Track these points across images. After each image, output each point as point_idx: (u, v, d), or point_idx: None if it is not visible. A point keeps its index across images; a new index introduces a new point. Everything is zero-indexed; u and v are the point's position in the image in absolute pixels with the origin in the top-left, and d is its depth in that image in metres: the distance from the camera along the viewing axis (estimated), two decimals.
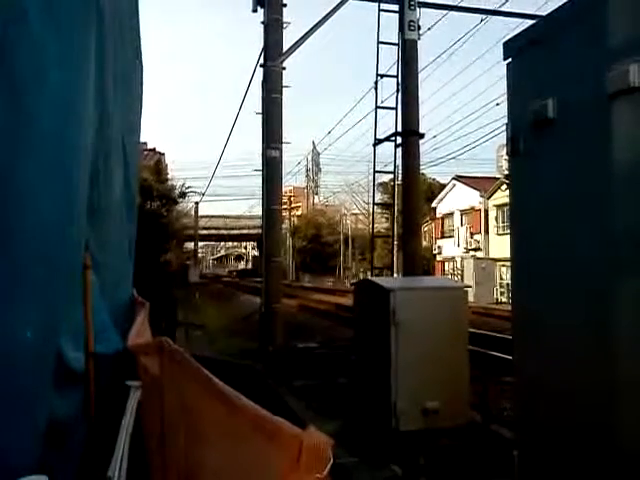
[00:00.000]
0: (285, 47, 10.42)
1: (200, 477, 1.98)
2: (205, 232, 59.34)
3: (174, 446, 2.30)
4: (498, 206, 32.64)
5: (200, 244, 65.97)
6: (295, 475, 1.13)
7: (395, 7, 10.89)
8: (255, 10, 10.59)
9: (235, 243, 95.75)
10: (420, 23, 10.81)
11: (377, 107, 11.35)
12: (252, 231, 58.63)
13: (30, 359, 2.25)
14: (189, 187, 25.07)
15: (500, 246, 29.69)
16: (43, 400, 2.40)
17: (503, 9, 12.46)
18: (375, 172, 12.04)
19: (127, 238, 5.62)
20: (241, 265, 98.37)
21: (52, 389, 2.50)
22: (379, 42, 11.13)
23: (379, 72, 11.32)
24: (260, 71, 10.74)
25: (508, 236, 3.09)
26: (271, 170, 10.39)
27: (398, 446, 5.01)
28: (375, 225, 14.45)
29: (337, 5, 10.60)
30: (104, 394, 3.39)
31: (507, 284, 26.65)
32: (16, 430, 2.21)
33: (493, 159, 36.84)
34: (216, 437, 1.82)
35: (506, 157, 3.38)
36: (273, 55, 10.30)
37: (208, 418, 1.85)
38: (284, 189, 14.85)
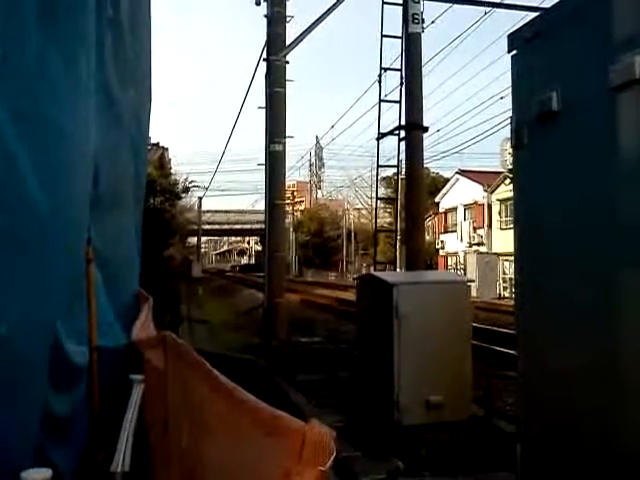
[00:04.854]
0: (288, 41, 10.40)
1: (203, 470, 1.99)
2: (208, 227, 59.46)
3: (177, 439, 2.30)
4: (501, 200, 32.55)
5: (203, 239, 66.08)
6: (298, 468, 1.13)
7: (399, 0, 10.83)
8: (258, 3, 10.56)
9: (238, 238, 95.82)
10: (424, 16, 10.75)
11: (381, 101, 11.31)
12: (255, 226, 58.69)
13: (26, 352, 2.25)
14: (192, 182, 25.07)
15: (503, 241, 29.61)
16: (39, 393, 2.40)
17: (507, 1, 12.37)
18: (378, 166, 12.00)
19: (133, 233, 5.63)
20: (244, 260, 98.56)
21: (49, 382, 2.50)
22: (383, 35, 11.08)
23: (383, 65, 11.29)
24: (263, 65, 10.74)
25: (511, 231, 3.08)
26: (274, 164, 10.39)
27: (401, 440, 5.02)
28: (378, 220, 14.42)
29: None
30: (107, 388, 3.40)
31: (510, 279, 26.63)
32: (14, 423, 2.21)
33: (497, 153, 36.81)
34: (219, 431, 1.82)
35: (510, 151, 3.37)
36: (276, 49, 10.28)
37: (211, 412, 1.85)
38: (287, 183, 14.84)
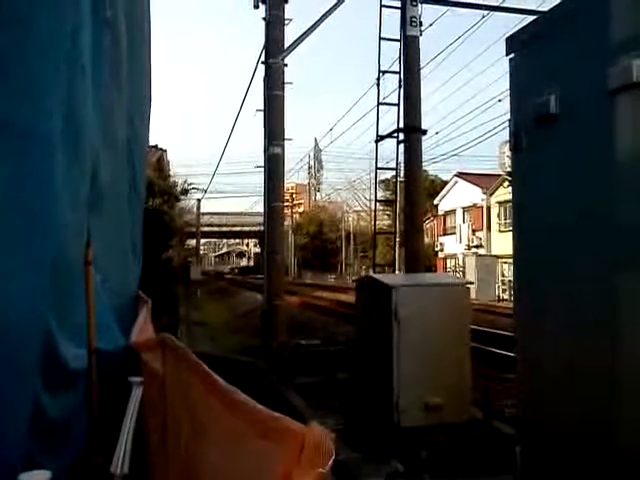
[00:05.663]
0: (287, 43, 10.40)
1: (202, 473, 1.99)
2: (207, 229, 59.42)
3: (176, 441, 2.30)
4: (500, 203, 32.60)
5: (202, 241, 66.04)
6: (298, 470, 1.13)
7: (397, 3, 10.85)
8: (257, 6, 10.56)
9: (237, 240, 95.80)
10: (422, 19, 10.78)
11: (379, 103, 11.32)
12: (254, 228, 58.67)
13: (17, 354, 2.24)
14: (191, 184, 25.04)
15: (502, 243, 29.64)
16: (32, 396, 2.38)
17: (505, 5, 12.41)
18: (377, 169, 12.01)
19: (133, 235, 5.63)
20: (243, 262, 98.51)
21: (43, 386, 2.49)
22: (381, 38, 11.10)
23: (381, 68, 11.31)
24: (262, 68, 10.74)
25: (510, 233, 3.08)
26: (273, 167, 10.38)
27: (400, 442, 5.01)
28: (377, 222, 14.44)
29: (339, 1, 10.56)
30: (106, 390, 3.40)
31: (509, 281, 26.62)
32: (6, 426, 2.19)
33: (495, 156, 36.84)
34: (217, 434, 1.82)
35: (508, 154, 3.37)
36: (274, 52, 10.28)
37: (210, 415, 1.85)
38: (286, 186, 14.83)
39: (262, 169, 11.27)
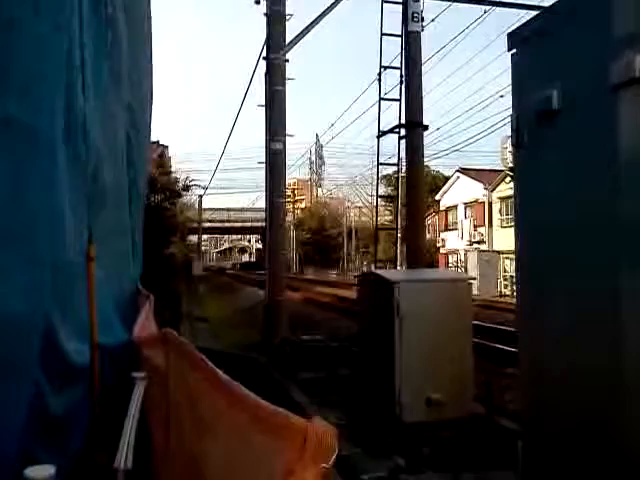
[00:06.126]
0: (288, 39, 10.39)
1: (205, 468, 2.00)
2: (209, 225, 59.40)
3: (179, 437, 2.31)
4: (502, 198, 32.52)
5: (204, 237, 66.02)
6: (300, 466, 1.13)
7: None
8: (258, 2, 10.54)
9: (239, 236, 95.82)
10: (424, 15, 10.74)
11: (381, 99, 11.31)
12: (256, 224, 58.64)
13: (14, 350, 2.25)
14: (193, 180, 25.00)
15: (504, 239, 29.59)
16: (30, 391, 2.39)
17: (506, 0, 12.33)
18: (379, 164, 12.01)
19: (134, 231, 5.64)
20: (245, 258, 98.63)
21: (45, 381, 2.50)
22: (383, 34, 11.08)
23: (383, 64, 11.29)
24: (263, 63, 10.72)
25: (512, 229, 3.08)
26: (275, 163, 10.38)
27: (401, 437, 5.03)
28: (379, 218, 14.42)
29: None
30: (109, 386, 3.41)
31: (511, 277, 26.63)
32: (4, 423, 2.20)
33: (497, 151, 36.79)
34: (221, 429, 1.82)
35: (510, 149, 3.37)
36: (276, 47, 10.27)
37: (213, 410, 1.85)
38: (288, 181, 14.83)
39: (264, 165, 11.28)
